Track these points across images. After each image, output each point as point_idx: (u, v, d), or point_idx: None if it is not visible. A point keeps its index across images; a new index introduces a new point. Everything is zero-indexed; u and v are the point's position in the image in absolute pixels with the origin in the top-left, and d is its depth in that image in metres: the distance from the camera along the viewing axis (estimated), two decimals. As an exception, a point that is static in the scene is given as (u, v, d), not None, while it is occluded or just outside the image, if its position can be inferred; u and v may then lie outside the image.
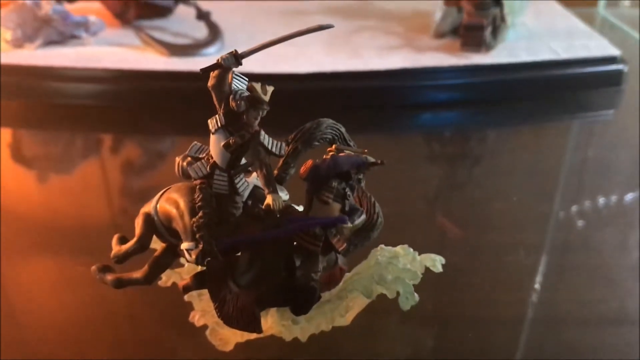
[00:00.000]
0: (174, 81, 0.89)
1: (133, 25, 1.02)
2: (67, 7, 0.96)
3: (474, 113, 0.93)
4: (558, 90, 0.95)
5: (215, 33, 0.99)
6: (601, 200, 0.71)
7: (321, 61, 0.92)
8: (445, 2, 0.98)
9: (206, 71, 0.41)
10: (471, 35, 0.92)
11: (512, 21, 1.00)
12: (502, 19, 0.95)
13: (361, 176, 0.44)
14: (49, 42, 0.96)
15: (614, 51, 0.96)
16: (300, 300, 0.44)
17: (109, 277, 0.46)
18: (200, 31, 1.00)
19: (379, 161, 0.42)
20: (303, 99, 0.87)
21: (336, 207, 0.42)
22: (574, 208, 0.70)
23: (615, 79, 0.94)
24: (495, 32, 0.95)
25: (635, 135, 0.87)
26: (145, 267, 0.45)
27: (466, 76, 0.91)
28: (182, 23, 1.05)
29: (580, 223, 0.68)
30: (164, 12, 1.08)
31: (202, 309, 0.48)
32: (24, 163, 0.84)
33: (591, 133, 0.93)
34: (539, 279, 0.59)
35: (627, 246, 0.65)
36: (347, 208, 0.42)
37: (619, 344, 0.52)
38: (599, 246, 0.65)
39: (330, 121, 0.46)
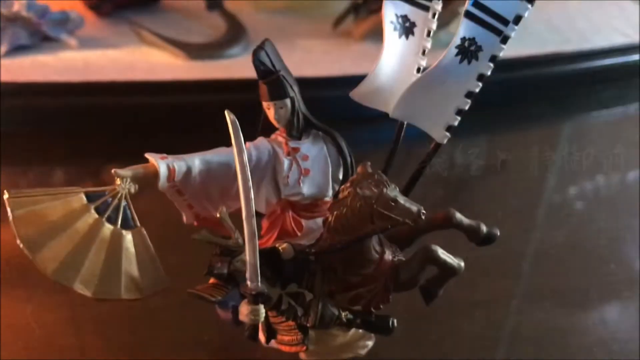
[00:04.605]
0: (199, 93, 0.71)
1: (129, 21, 0.81)
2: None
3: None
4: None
5: (235, 27, 0.80)
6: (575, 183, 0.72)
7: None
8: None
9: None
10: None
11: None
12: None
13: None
14: (17, 47, 0.75)
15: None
16: None
17: None
18: (216, 26, 0.82)
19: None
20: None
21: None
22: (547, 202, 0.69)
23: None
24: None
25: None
26: None
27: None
28: (190, 17, 0.87)
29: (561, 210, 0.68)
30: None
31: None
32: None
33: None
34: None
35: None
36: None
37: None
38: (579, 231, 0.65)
39: None
